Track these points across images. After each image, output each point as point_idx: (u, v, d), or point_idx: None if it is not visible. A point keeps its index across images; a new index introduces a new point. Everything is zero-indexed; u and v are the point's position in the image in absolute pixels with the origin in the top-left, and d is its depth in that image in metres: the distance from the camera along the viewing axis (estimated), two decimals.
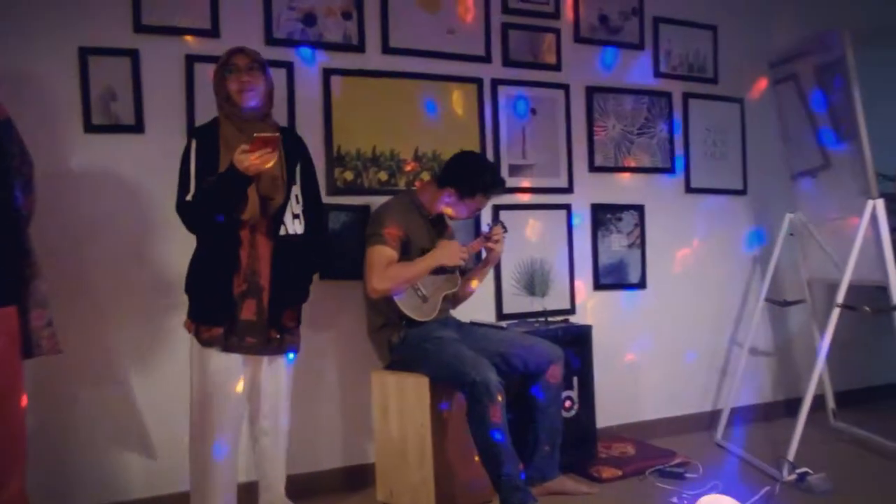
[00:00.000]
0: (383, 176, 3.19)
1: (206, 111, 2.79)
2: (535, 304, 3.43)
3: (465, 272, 2.92)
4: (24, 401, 1.96)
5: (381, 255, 2.65)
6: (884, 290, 3.05)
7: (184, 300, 2.45)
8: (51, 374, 2.65)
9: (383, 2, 3.20)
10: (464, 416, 2.58)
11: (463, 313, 3.05)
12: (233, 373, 2.37)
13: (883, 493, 2.89)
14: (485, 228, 3.02)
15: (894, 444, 3.27)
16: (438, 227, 2.91)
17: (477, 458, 2.56)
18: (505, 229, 2.92)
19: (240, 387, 2.39)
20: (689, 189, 3.88)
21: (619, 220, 3.70)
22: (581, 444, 3.16)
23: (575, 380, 3.17)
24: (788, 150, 3.66)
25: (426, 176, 3.21)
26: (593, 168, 3.65)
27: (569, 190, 3.59)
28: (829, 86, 3.22)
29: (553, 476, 2.79)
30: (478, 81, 3.39)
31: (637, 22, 3.76)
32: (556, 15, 3.58)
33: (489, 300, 3.40)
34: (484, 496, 2.69)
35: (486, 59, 3.41)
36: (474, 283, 2.95)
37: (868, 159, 3.00)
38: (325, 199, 2.85)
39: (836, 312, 3.04)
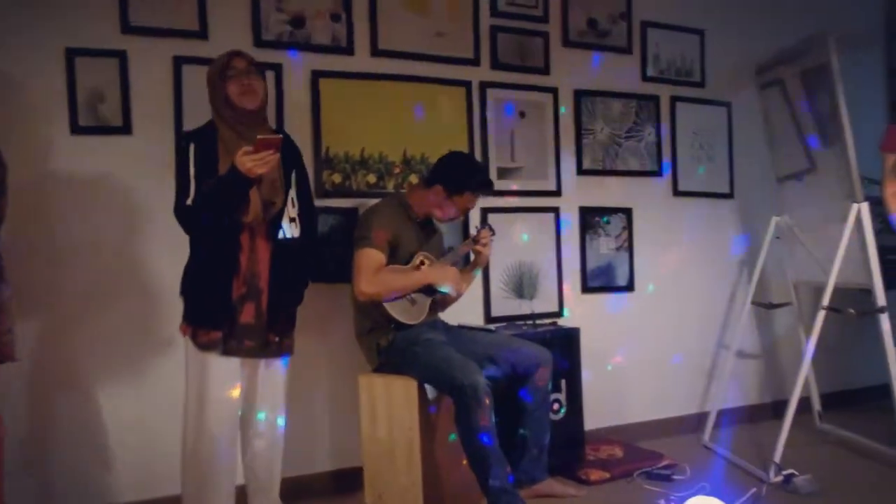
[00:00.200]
0: (372, 178, 3.18)
1: (195, 113, 2.78)
2: (524, 307, 3.43)
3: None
4: None
5: (370, 258, 2.65)
6: (869, 292, 3.08)
7: (173, 304, 2.44)
8: (39, 381, 2.65)
9: (372, 4, 3.20)
10: (452, 419, 2.58)
11: (451, 316, 3.05)
12: (231, 376, 2.37)
13: (868, 495, 2.91)
14: (473, 231, 3.03)
15: (879, 445, 3.29)
16: (427, 230, 2.91)
17: (465, 461, 2.56)
18: (493, 232, 2.93)
19: (237, 392, 2.38)
20: (677, 192, 3.91)
21: (608, 223, 3.72)
22: (569, 447, 3.16)
23: (563, 382, 3.18)
24: (775, 153, 3.69)
25: (415, 179, 3.21)
26: (581, 171, 3.67)
27: (557, 193, 3.60)
28: (814, 90, 3.25)
29: (541, 479, 2.79)
30: (466, 84, 3.39)
31: (625, 26, 3.78)
32: (545, 19, 3.59)
33: (478, 303, 3.40)
34: (472, 499, 2.68)
35: (475, 62, 3.42)
36: (462, 287, 2.95)
37: (853, 163, 3.03)
38: (314, 202, 2.85)
39: (821, 315, 3.07)
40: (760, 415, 4.01)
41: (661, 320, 3.84)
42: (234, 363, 2.36)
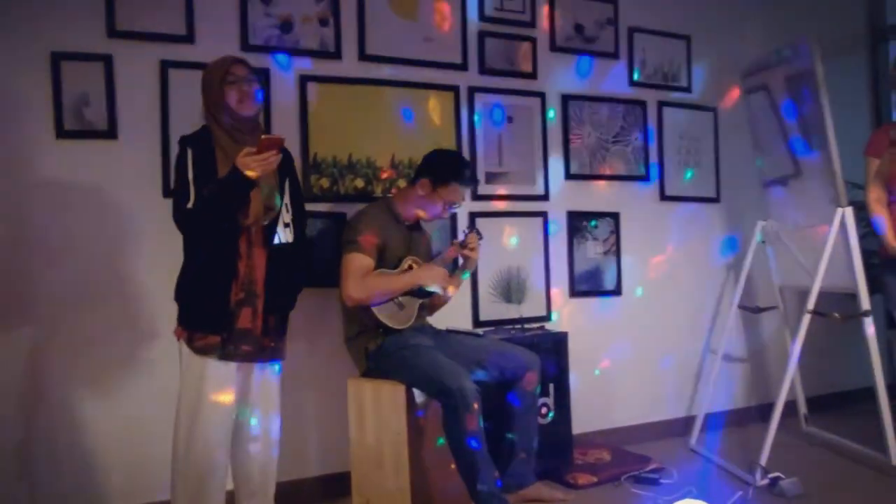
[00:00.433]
0: (360, 183, 3.18)
1: (181, 118, 2.78)
2: (512, 312, 3.44)
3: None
4: None
5: (358, 262, 2.65)
6: (853, 296, 3.10)
7: (161, 309, 2.43)
8: (28, 387, 2.63)
9: (360, 9, 3.20)
10: (440, 424, 2.58)
11: (439, 320, 3.05)
12: (227, 381, 2.36)
13: (854, 497, 2.93)
14: (461, 236, 3.03)
15: (864, 448, 3.31)
16: (415, 234, 2.91)
17: (453, 466, 2.56)
18: (480, 236, 2.94)
19: (231, 396, 2.38)
20: (664, 197, 3.93)
21: (596, 227, 3.73)
22: (557, 451, 3.17)
23: (551, 387, 3.18)
24: (760, 158, 3.71)
25: (402, 183, 3.21)
26: (569, 176, 3.68)
27: (545, 197, 3.61)
28: (799, 95, 3.27)
29: (529, 483, 2.79)
30: (454, 89, 3.40)
31: (612, 31, 3.80)
32: (533, 24, 3.60)
33: (466, 307, 3.40)
34: None
35: (463, 66, 3.43)
36: (451, 291, 2.95)
37: (837, 168, 3.05)
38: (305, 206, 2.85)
39: (806, 319, 3.09)
40: (747, 418, 4.03)
41: (649, 324, 3.85)
42: (230, 368, 2.36)
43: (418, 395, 2.66)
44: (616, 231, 3.79)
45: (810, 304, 3.08)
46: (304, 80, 3.08)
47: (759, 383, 4.17)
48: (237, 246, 2.33)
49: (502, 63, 3.53)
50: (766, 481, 2.96)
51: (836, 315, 3.15)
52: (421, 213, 2.86)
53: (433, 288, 2.77)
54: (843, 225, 3.06)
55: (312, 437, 3.08)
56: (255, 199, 2.32)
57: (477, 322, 3.43)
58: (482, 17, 3.48)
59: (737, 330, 4.05)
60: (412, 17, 3.32)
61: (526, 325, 3.36)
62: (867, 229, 3.25)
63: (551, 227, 3.62)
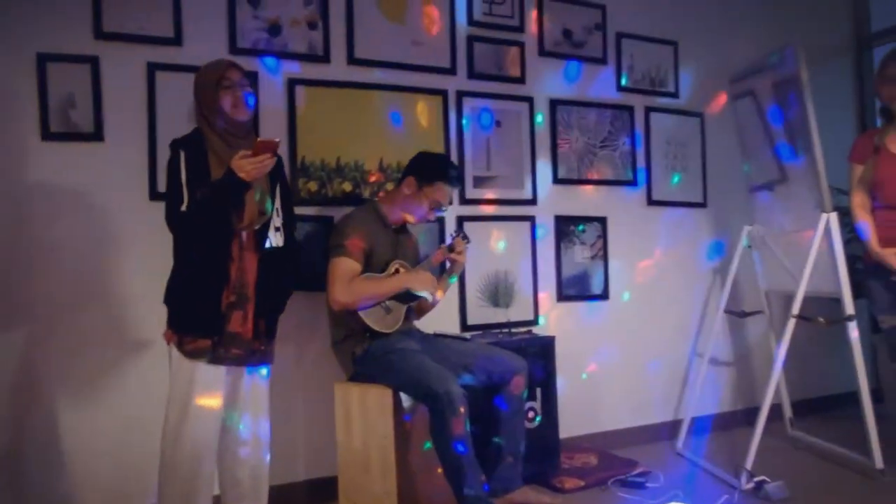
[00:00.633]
0: (347, 186, 3.18)
1: (168, 120, 2.78)
2: (499, 316, 3.44)
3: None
4: None
5: (345, 266, 2.65)
6: (838, 301, 3.12)
7: (148, 312, 2.41)
8: (13, 393, 2.60)
9: (349, 13, 3.20)
10: (427, 428, 2.58)
11: (427, 324, 3.05)
12: (216, 385, 2.35)
13: (838, 501, 2.95)
14: (448, 240, 3.03)
15: (849, 452, 3.34)
16: (402, 238, 2.91)
17: (440, 470, 2.56)
18: (467, 240, 2.94)
19: (220, 401, 2.37)
20: (651, 201, 3.94)
21: (583, 231, 3.74)
22: (544, 455, 3.17)
23: (538, 391, 3.19)
24: (747, 163, 3.74)
25: (390, 187, 3.21)
26: (557, 180, 3.69)
27: (532, 202, 3.62)
28: (785, 101, 3.30)
29: (516, 487, 2.79)
30: (443, 93, 3.40)
31: (600, 37, 3.82)
32: (521, 28, 3.61)
33: (453, 311, 3.41)
34: None
35: (452, 70, 3.43)
36: (438, 295, 2.95)
37: (822, 174, 3.07)
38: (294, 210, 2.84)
39: (791, 323, 3.10)
40: (733, 422, 4.05)
41: (636, 328, 3.87)
42: (219, 371, 2.35)
43: (405, 399, 2.66)
44: (603, 235, 3.80)
45: (795, 309, 3.10)
46: (292, 84, 3.08)
47: (745, 387, 4.19)
48: (229, 249, 2.33)
49: (491, 67, 3.54)
50: (751, 485, 2.98)
51: (821, 319, 3.17)
52: (407, 216, 2.86)
53: (421, 292, 2.77)
54: (827, 230, 3.08)
55: (300, 442, 3.07)
56: (250, 202, 2.32)
57: (465, 326, 3.43)
58: (471, 21, 3.49)
59: (723, 334, 4.07)
60: (401, 20, 3.32)
61: (513, 330, 3.37)
62: (852, 234, 3.28)
63: (539, 232, 3.63)
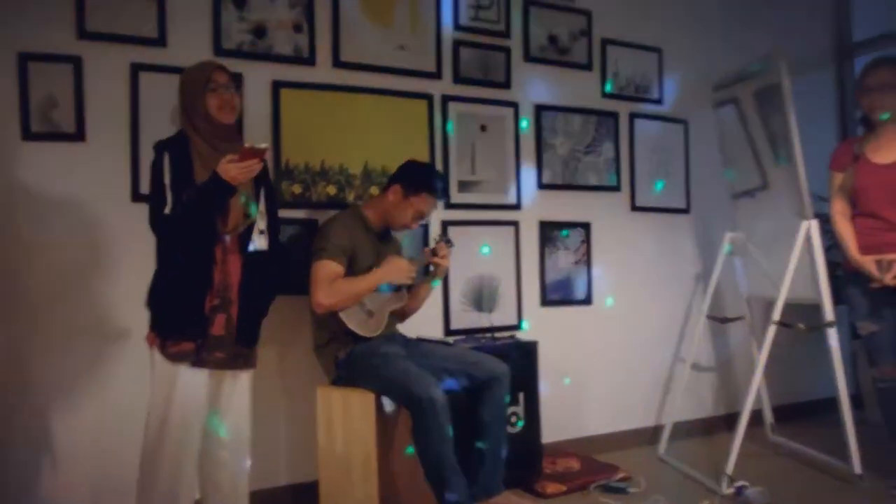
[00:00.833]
0: (332, 190, 3.17)
1: (152, 121, 2.77)
2: (483, 320, 3.44)
3: (412, 287, 2.92)
4: None
5: (328, 269, 2.64)
6: (818, 307, 3.15)
7: (129, 313, 2.40)
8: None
9: (335, 16, 3.20)
10: (409, 433, 2.57)
11: (410, 329, 3.05)
12: (199, 389, 2.34)
13: None
14: (432, 244, 3.03)
15: (828, 457, 3.37)
16: (385, 243, 2.91)
17: (422, 475, 2.55)
18: (451, 244, 2.95)
19: (202, 404, 2.35)
20: (635, 207, 3.96)
21: (567, 237, 3.76)
22: (526, 460, 3.17)
23: (521, 395, 3.19)
24: (730, 170, 3.76)
25: (375, 191, 3.21)
26: (541, 185, 3.70)
27: (517, 207, 3.63)
28: (767, 109, 3.33)
29: (497, 492, 2.77)
30: (428, 97, 3.41)
31: (585, 43, 3.84)
32: (507, 34, 3.63)
33: (437, 316, 3.40)
34: None
35: (437, 75, 3.44)
36: (422, 296, 2.95)
37: (803, 181, 3.11)
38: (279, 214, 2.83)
39: (772, 329, 3.13)
40: (715, 427, 4.07)
41: (619, 334, 3.88)
42: (202, 375, 2.33)
43: (387, 404, 2.65)
44: (587, 241, 3.81)
45: (776, 315, 3.13)
46: (277, 86, 3.07)
47: (727, 392, 4.22)
48: (213, 253, 2.32)
49: (476, 72, 3.54)
50: (732, 490, 3.00)
51: (801, 326, 3.20)
52: (392, 221, 2.86)
53: (399, 281, 2.76)
54: (808, 237, 3.12)
55: (282, 445, 3.05)
56: (235, 206, 2.31)
57: (448, 330, 3.43)
58: (457, 26, 3.49)
59: (705, 340, 4.09)
60: (387, 24, 3.32)
61: (497, 334, 3.37)
62: (832, 242, 3.31)
63: (523, 237, 3.64)
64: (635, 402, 3.95)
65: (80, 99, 2.72)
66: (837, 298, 3.24)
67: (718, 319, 3.81)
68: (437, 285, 3.13)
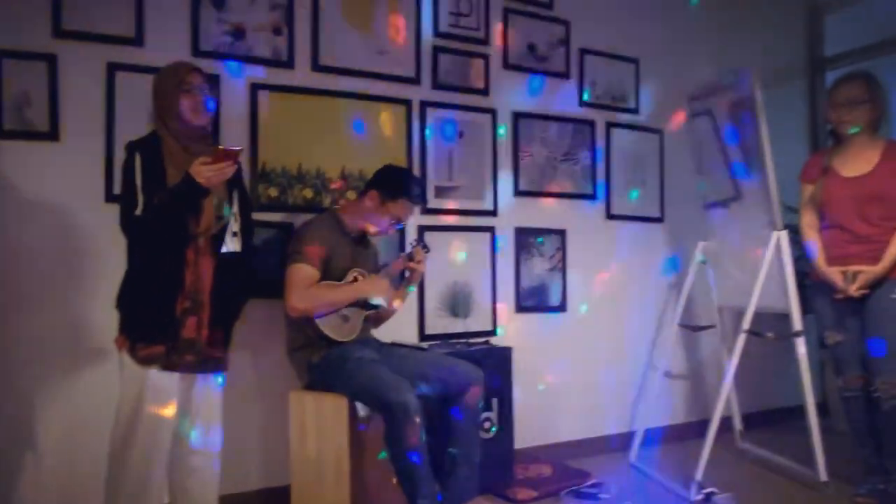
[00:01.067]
0: (308, 193, 3.17)
1: (127, 121, 2.74)
2: (458, 326, 3.46)
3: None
4: None
5: (302, 273, 2.64)
6: (788, 317, 3.20)
7: (103, 315, 2.37)
8: None
9: (314, 19, 3.20)
10: (382, 438, 2.58)
11: (385, 333, 3.05)
12: (169, 392, 2.32)
13: None
14: (408, 248, 3.04)
15: (794, 464, 3.42)
16: (361, 247, 2.91)
17: (394, 480, 2.56)
18: (427, 249, 2.95)
19: (172, 409, 2.33)
20: (610, 215, 4.00)
21: (543, 244, 3.78)
22: (499, 466, 3.19)
23: (494, 401, 3.20)
24: (703, 180, 3.81)
25: (352, 195, 3.21)
26: (518, 192, 3.72)
27: (493, 213, 3.65)
28: (740, 121, 3.38)
29: (470, 498, 2.78)
30: (407, 103, 3.41)
31: (564, 52, 3.87)
32: (486, 41, 3.65)
33: (412, 321, 3.41)
34: None
35: (416, 80, 3.45)
36: (396, 303, 2.96)
37: (774, 192, 3.16)
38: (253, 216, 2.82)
39: (742, 338, 3.18)
40: (686, 434, 4.11)
41: (592, 340, 3.92)
42: (172, 378, 2.32)
43: (361, 409, 2.66)
44: (562, 248, 3.84)
45: (746, 324, 3.18)
46: (255, 89, 3.06)
47: (698, 400, 4.27)
48: (184, 254, 2.30)
49: (455, 79, 3.56)
50: (701, 496, 3.04)
51: (770, 335, 3.25)
52: (368, 227, 2.86)
53: (377, 301, 2.77)
54: (778, 247, 3.17)
55: (254, 450, 3.04)
56: (208, 208, 2.30)
57: (423, 336, 3.43)
58: (436, 32, 3.51)
59: (677, 347, 4.14)
60: (366, 29, 3.33)
61: (471, 340, 3.38)
62: (801, 252, 3.37)
63: (499, 243, 3.66)
64: (608, 408, 3.98)
65: (55, 98, 2.70)
66: (806, 308, 3.29)
67: (690, 328, 3.86)
68: (413, 291, 3.14)
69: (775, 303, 3.24)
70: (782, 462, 3.52)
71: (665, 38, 4.20)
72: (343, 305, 2.73)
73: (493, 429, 3.20)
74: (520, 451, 3.41)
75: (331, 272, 2.74)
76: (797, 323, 3.18)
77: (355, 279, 2.79)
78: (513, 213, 3.71)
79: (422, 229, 3.40)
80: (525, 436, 3.52)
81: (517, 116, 3.72)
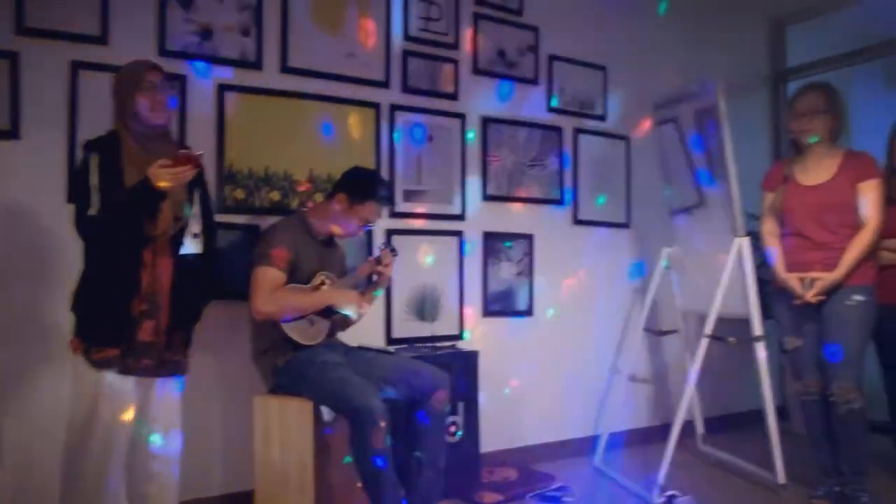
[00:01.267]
0: (275, 196, 3.15)
1: (91, 121, 2.69)
2: (425, 330, 3.46)
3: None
4: None
5: (268, 276, 2.63)
6: (749, 322, 3.26)
7: (60, 320, 2.33)
8: None
9: (283, 21, 3.19)
10: (347, 442, 2.57)
11: (352, 337, 3.04)
12: (125, 396, 2.28)
13: None
14: (376, 252, 3.04)
15: (754, 467, 3.48)
16: (328, 250, 2.90)
17: (359, 485, 2.55)
18: (395, 253, 2.95)
19: (130, 413, 2.30)
20: (577, 221, 4.04)
21: (510, 248, 3.80)
22: (465, 470, 3.20)
23: (461, 405, 3.21)
24: (668, 187, 3.87)
25: (319, 197, 3.20)
26: (486, 197, 3.74)
27: (461, 217, 3.66)
28: (705, 129, 3.44)
29: (435, 502, 2.79)
30: (376, 106, 3.41)
31: (532, 58, 3.90)
32: (456, 46, 3.66)
33: (379, 324, 3.41)
34: None
35: (385, 84, 3.45)
36: (363, 308, 2.94)
37: (736, 199, 3.22)
38: (215, 217, 2.79)
39: (704, 343, 3.23)
40: (650, 437, 4.16)
41: (559, 345, 3.95)
42: (128, 382, 2.28)
43: (326, 413, 2.65)
44: (530, 253, 3.87)
45: (708, 329, 3.23)
46: (222, 90, 3.04)
47: (662, 403, 4.32)
48: (141, 256, 2.27)
49: (425, 83, 3.57)
50: (662, 499, 3.07)
51: (732, 339, 3.30)
52: (336, 229, 2.85)
53: (346, 311, 2.76)
54: (740, 254, 3.23)
55: (217, 455, 3.01)
56: (165, 211, 2.27)
57: (390, 339, 3.43)
58: (406, 36, 3.52)
59: (642, 352, 4.19)
60: (336, 32, 3.32)
61: (438, 344, 3.39)
62: (763, 259, 3.43)
63: (467, 247, 3.67)
64: (573, 412, 4.01)
65: (16, 96, 2.65)
66: (767, 314, 3.36)
67: (655, 332, 3.91)
68: (380, 295, 3.13)
69: (737, 308, 3.30)
70: (742, 465, 3.58)
71: (632, 47, 4.26)
72: (309, 313, 2.72)
73: (459, 433, 3.21)
74: (486, 454, 3.42)
75: (297, 275, 2.72)
76: (757, 328, 3.24)
77: (322, 283, 2.78)
78: (481, 217, 3.73)
79: (390, 233, 3.40)
80: (491, 440, 3.53)
81: (486, 121, 3.75)
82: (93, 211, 2.19)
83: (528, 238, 3.87)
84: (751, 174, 3.45)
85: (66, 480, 2.27)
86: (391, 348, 3.25)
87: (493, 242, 3.76)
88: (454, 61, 3.66)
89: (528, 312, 3.87)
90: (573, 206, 4.04)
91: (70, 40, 2.74)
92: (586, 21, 4.11)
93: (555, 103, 3.98)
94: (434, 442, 2.80)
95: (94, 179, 2.21)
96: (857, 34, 4.65)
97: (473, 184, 3.71)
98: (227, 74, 3.06)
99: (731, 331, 3.35)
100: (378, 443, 2.48)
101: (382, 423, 2.48)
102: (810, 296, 3.03)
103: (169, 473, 2.45)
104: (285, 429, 2.70)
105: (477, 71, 3.73)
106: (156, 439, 2.41)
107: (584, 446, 3.96)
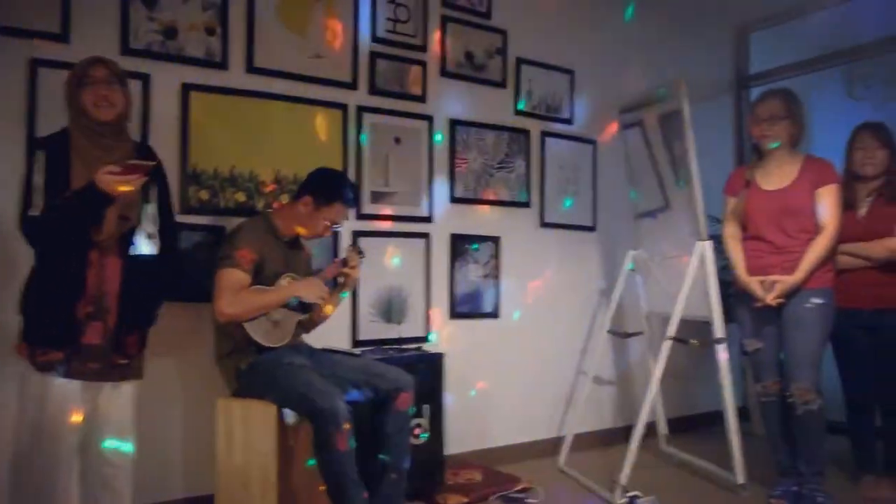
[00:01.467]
0: (241, 196, 3.12)
1: (50, 119, 2.64)
2: (391, 332, 3.46)
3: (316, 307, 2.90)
4: None
5: (233, 278, 2.60)
6: (710, 324, 3.31)
7: (11, 323, 2.28)
8: None
9: (249, 21, 3.16)
10: (311, 445, 2.56)
11: (317, 339, 3.03)
12: (72, 401, 2.23)
13: None
14: (343, 253, 3.03)
15: (715, 467, 3.54)
16: (294, 251, 2.88)
17: (322, 488, 2.54)
18: (362, 255, 2.94)
19: (77, 417, 2.25)
20: (543, 223, 4.07)
21: (477, 250, 3.82)
22: (429, 472, 3.19)
23: (426, 407, 3.21)
24: (633, 190, 3.92)
25: (285, 198, 3.18)
26: (454, 199, 3.75)
27: (429, 219, 3.67)
28: (669, 134, 3.49)
29: None
30: (343, 107, 3.40)
31: (500, 61, 3.92)
32: (424, 48, 3.66)
33: (344, 326, 3.39)
34: None
35: (353, 85, 3.44)
36: (329, 309, 2.94)
37: (699, 204, 3.27)
38: (178, 218, 2.76)
39: (667, 344, 3.27)
40: (614, 438, 4.20)
41: (525, 347, 3.97)
42: (75, 386, 2.23)
43: (289, 416, 2.63)
44: (496, 255, 3.89)
45: (671, 331, 3.27)
46: (186, 89, 3.00)
47: (626, 405, 4.37)
48: (86, 257, 2.22)
49: (392, 84, 3.57)
50: (625, 500, 3.11)
51: (694, 341, 3.35)
52: (302, 231, 2.84)
53: (310, 299, 2.74)
54: (702, 257, 3.28)
55: (178, 458, 2.97)
56: (111, 216, 2.22)
57: (355, 341, 3.42)
58: (374, 37, 3.51)
59: (607, 353, 4.23)
60: (302, 32, 3.30)
61: (404, 346, 3.39)
62: (724, 262, 3.49)
63: (434, 249, 3.68)
64: (538, 414, 4.04)
65: None
66: (730, 316, 3.41)
67: (619, 334, 3.95)
68: (346, 296, 3.12)
69: (699, 311, 3.35)
70: (703, 465, 3.64)
71: (599, 51, 4.30)
72: (275, 307, 2.70)
73: (424, 435, 3.21)
74: (451, 456, 3.43)
75: (262, 277, 2.70)
76: (719, 330, 3.29)
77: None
78: (448, 219, 3.73)
79: (356, 234, 3.39)
80: (456, 441, 3.54)
81: (454, 123, 3.75)
82: (35, 211, 2.15)
83: (495, 240, 3.88)
84: (714, 179, 3.50)
85: (15, 484, 2.21)
86: (356, 350, 3.24)
87: (461, 244, 3.77)
88: (422, 63, 3.66)
89: (495, 314, 3.88)
90: (540, 208, 4.06)
91: (29, 37, 2.69)
92: (554, 25, 4.14)
93: (522, 106, 4.00)
94: (398, 444, 2.79)
95: (37, 179, 2.16)
96: (819, 42, 4.74)
97: (441, 186, 3.72)
98: (191, 74, 3.02)
99: (695, 333, 3.40)
100: (342, 445, 2.46)
101: (346, 426, 2.47)
102: (770, 299, 3.08)
103: (123, 479, 2.40)
104: (248, 432, 2.67)
105: (445, 73, 3.74)
106: (108, 445, 2.36)
107: (549, 447, 3.99)
